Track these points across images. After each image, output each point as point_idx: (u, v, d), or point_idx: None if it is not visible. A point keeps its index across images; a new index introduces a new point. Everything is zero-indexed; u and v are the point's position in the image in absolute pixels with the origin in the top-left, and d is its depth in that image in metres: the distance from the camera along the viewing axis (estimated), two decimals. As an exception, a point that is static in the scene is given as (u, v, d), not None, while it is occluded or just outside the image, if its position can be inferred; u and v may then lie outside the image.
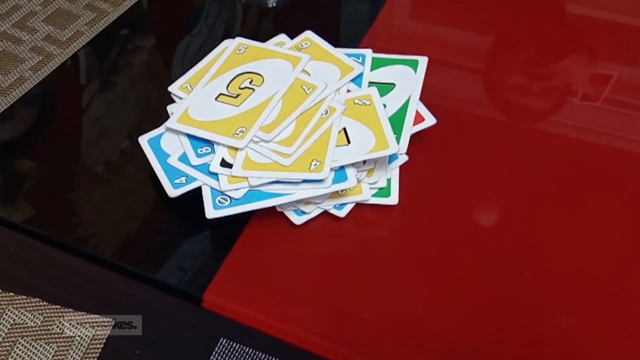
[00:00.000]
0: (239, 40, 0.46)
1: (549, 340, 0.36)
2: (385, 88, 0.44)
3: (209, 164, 0.40)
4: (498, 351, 0.35)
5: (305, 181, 0.39)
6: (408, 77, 0.45)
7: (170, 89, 0.44)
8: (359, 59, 0.46)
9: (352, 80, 0.44)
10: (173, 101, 0.44)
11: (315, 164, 0.39)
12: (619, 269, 0.39)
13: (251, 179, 0.39)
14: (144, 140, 0.43)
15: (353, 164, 0.40)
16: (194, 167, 0.40)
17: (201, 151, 0.41)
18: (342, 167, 0.39)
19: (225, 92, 0.43)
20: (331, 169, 0.39)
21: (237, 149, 0.40)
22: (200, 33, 0.55)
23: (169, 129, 0.42)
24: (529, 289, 0.38)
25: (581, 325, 0.37)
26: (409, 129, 0.42)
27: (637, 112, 0.50)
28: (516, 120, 0.49)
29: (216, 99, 0.43)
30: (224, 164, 0.40)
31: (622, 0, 0.60)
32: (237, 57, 0.45)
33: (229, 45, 0.46)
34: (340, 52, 0.46)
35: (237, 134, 0.40)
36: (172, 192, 0.40)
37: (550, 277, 0.38)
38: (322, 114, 0.42)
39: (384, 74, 0.45)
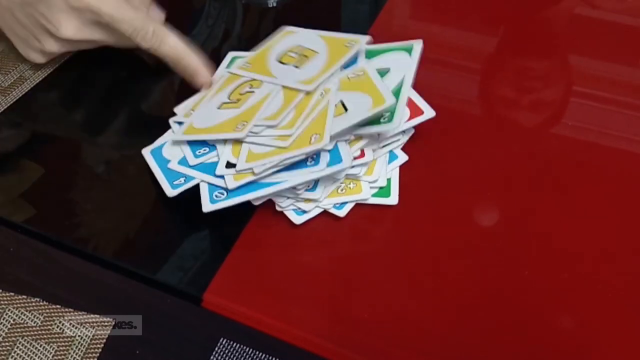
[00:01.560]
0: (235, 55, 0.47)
1: (549, 340, 0.36)
2: (380, 73, 0.44)
3: (207, 163, 0.40)
4: (498, 351, 0.35)
5: (306, 164, 0.38)
6: (403, 61, 0.45)
7: (175, 118, 0.44)
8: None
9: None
10: (172, 101, 0.44)
11: (316, 137, 0.39)
12: (620, 268, 0.39)
13: (255, 168, 0.38)
14: (147, 152, 0.43)
15: (346, 141, 0.40)
16: (192, 166, 0.40)
17: (199, 152, 0.41)
18: (337, 148, 0.39)
19: (226, 100, 0.43)
20: (331, 137, 0.39)
21: (241, 143, 0.40)
22: (200, 33, 0.55)
23: (174, 143, 0.42)
24: (530, 288, 0.38)
25: (582, 325, 0.37)
26: (404, 104, 0.42)
27: (637, 112, 0.50)
28: (516, 119, 0.50)
29: (218, 108, 0.43)
30: (230, 166, 0.40)
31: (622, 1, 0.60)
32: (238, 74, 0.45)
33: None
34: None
35: (238, 128, 0.40)
36: (171, 192, 0.40)
37: (551, 277, 0.38)
38: (318, 97, 0.41)
39: (380, 61, 0.45)
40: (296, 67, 0.44)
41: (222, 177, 0.39)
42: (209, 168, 0.40)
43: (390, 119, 0.40)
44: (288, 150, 0.39)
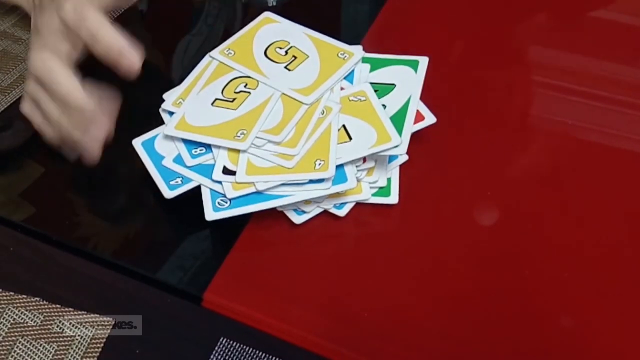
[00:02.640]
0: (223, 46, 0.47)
1: (550, 339, 0.36)
2: (385, 88, 0.44)
3: (204, 164, 0.40)
4: (499, 351, 0.35)
5: (311, 181, 0.39)
6: (408, 78, 0.45)
7: (163, 106, 0.43)
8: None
9: (344, 78, 0.44)
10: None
11: (320, 163, 0.39)
12: (620, 268, 0.39)
13: (258, 184, 0.38)
14: (137, 143, 0.43)
15: (352, 163, 0.40)
16: (189, 167, 0.40)
17: (195, 152, 0.41)
18: (342, 168, 0.39)
19: (220, 96, 0.43)
20: (337, 167, 0.39)
21: (239, 151, 0.40)
22: (200, 32, 0.55)
23: (167, 136, 0.42)
24: (530, 288, 0.38)
25: (582, 324, 0.37)
26: (410, 129, 0.42)
27: (638, 111, 0.50)
28: (516, 120, 0.49)
29: (212, 104, 0.42)
30: (226, 171, 0.39)
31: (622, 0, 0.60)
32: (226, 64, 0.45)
33: (212, 60, 0.46)
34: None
35: (238, 136, 0.40)
36: (168, 193, 0.39)
37: (551, 277, 0.38)
38: (320, 115, 0.41)
39: (384, 75, 0.45)
40: (287, 68, 0.44)
41: (219, 182, 0.39)
42: (206, 171, 0.40)
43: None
44: (292, 171, 0.39)
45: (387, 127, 0.41)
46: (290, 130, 0.40)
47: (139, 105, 0.50)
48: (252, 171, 0.39)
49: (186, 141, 0.41)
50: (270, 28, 0.47)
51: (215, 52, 0.45)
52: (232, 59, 0.45)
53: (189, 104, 0.43)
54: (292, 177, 0.39)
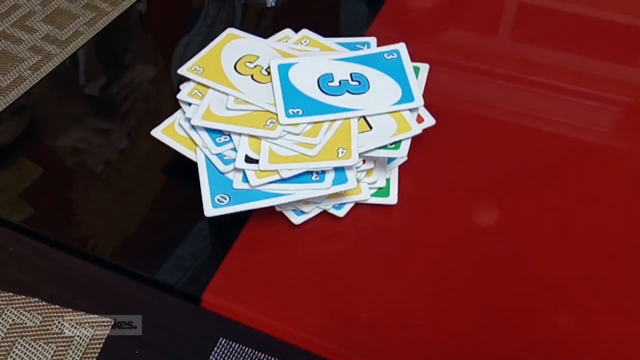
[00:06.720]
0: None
1: (547, 340, 0.36)
2: None
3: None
4: (497, 350, 0.35)
5: (335, 169, 0.39)
6: None
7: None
8: (363, 46, 0.46)
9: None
10: (175, 103, 0.44)
11: (343, 152, 0.39)
12: (617, 269, 0.39)
13: (282, 171, 0.39)
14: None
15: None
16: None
17: (220, 140, 0.41)
18: (342, 169, 0.39)
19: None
20: (360, 155, 0.39)
21: (260, 140, 0.40)
22: (199, 33, 0.55)
23: (193, 127, 0.42)
24: (528, 288, 0.38)
25: (582, 323, 0.37)
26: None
27: (637, 112, 0.50)
28: (516, 120, 0.50)
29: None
30: (248, 160, 0.39)
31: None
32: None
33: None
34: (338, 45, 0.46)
35: (268, 125, 0.40)
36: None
37: (550, 277, 0.38)
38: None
39: None
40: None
41: (242, 170, 0.39)
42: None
43: (397, 147, 0.41)
44: (315, 159, 0.39)
45: (406, 117, 0.41)
46: (309, 122, 0.41)
47: (142, 104, 0.50)
48: (274, 159, 0.39)
49: (210, 130, 0.41)
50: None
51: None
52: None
53: (212, 95, 0.43)
54: (315, 164, 0.39)
